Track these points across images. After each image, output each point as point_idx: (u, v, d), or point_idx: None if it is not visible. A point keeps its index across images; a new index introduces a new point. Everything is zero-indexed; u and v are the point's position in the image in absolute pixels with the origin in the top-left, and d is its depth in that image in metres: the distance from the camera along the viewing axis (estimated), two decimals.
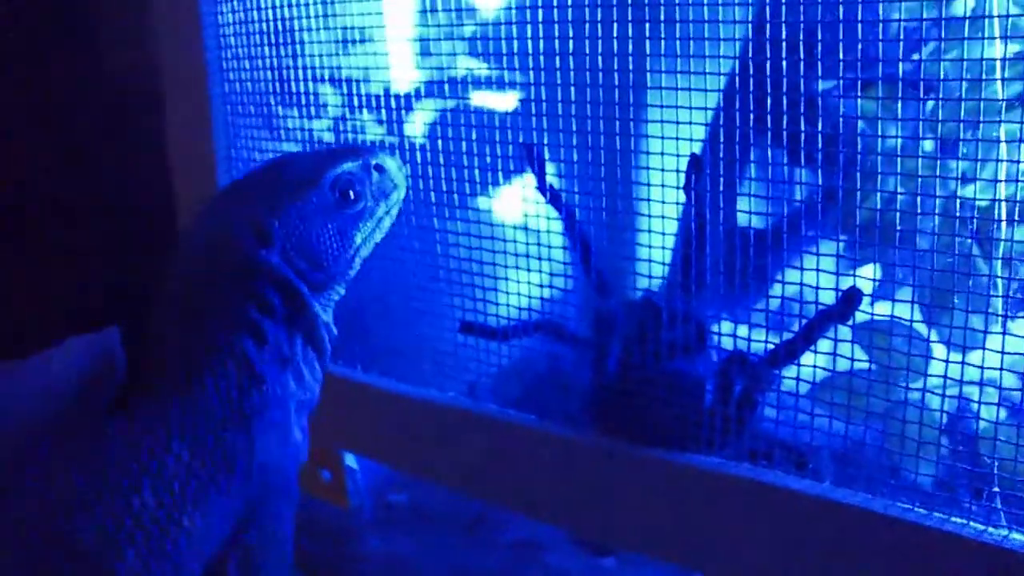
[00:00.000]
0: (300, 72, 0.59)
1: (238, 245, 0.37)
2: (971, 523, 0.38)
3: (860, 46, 0.38)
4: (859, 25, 0.38)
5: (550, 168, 0.48)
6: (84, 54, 0.80)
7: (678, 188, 0.43)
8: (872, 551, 0.41)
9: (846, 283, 0.40)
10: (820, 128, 0.39)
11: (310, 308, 0.38)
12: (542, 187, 0.47)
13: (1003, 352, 0.37)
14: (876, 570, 0.41)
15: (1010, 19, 0.35)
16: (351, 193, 0.40)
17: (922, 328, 0.40)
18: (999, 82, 0.36)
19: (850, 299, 0.39)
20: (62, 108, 0.81)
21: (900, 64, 0.38)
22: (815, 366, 0.43)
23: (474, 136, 0.51)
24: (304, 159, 0.42)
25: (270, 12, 0.59)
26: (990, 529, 0.38)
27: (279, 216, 0.37)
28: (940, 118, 0.37)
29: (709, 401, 0.43)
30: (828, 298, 0.40)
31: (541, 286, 0.50)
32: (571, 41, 0.45)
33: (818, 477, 0.41)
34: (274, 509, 0.34)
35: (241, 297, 0.36)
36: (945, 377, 0.39)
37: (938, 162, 0.38)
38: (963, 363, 0.38)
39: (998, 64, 0.36)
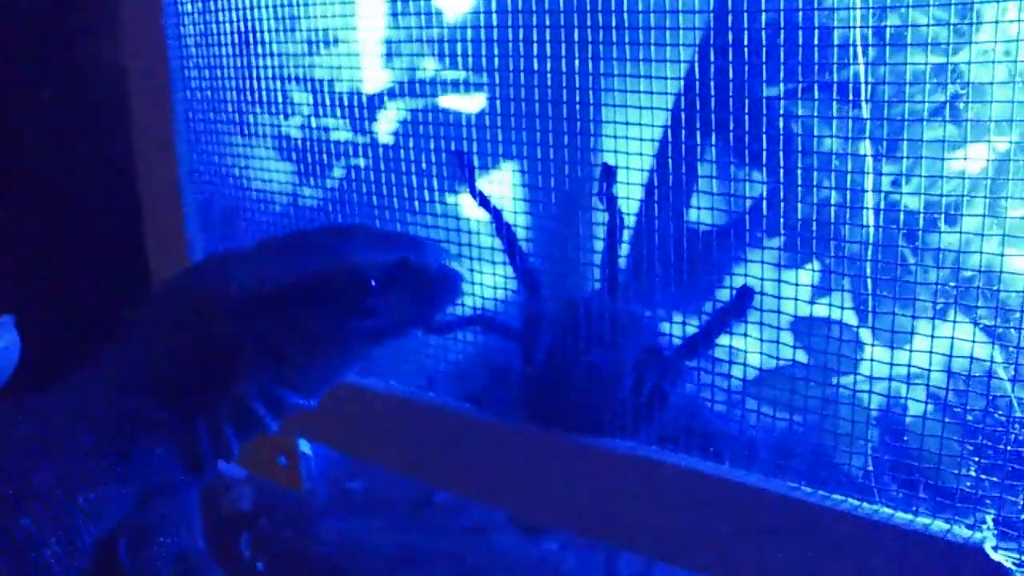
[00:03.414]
0: (268, 72, 0.61)
1: (230, 308, 0.37)
2: (899, 513, 0.41)
3: (804, 54, 0.40)
4: (801, 33, 0.40)
5: (513, 168, 0.51)
6: (51, 57, 0.81)
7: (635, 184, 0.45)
8: (774, 527, 0.44)
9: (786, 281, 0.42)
10: (765, 132, 0.41)
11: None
12: (472, 190, 0.50)
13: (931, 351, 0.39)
14: (787, 545, 0.44)
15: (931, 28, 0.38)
16: (367, 306, 0.38)
17: (863, 330, 0.43)
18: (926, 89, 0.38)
19: (743, 296, 0.42)
20: (26, 111, 0.83)
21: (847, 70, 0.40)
22: (746, 365, 0.46)
23: (437, 137, 0.53)
24: (337, 243, 0.39)
25: (233, 14, 0.61)
26: (898, 513, 0.41)
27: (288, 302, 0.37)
28: (873, 124, 0.40)
29: (624, 391, 0.47)
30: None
31: (496, 288, 0.53)
32: (530, 44, 0.48)
33: (720, 459, 0.45)
34: (171, 497, 0.37)
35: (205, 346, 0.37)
36: (880, 375, 0.42)
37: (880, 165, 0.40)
38: (889, 362, 0.40)
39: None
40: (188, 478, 0.38)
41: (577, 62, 0.47)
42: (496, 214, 0.50)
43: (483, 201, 0.50)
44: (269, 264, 0.38)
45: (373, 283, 0.37)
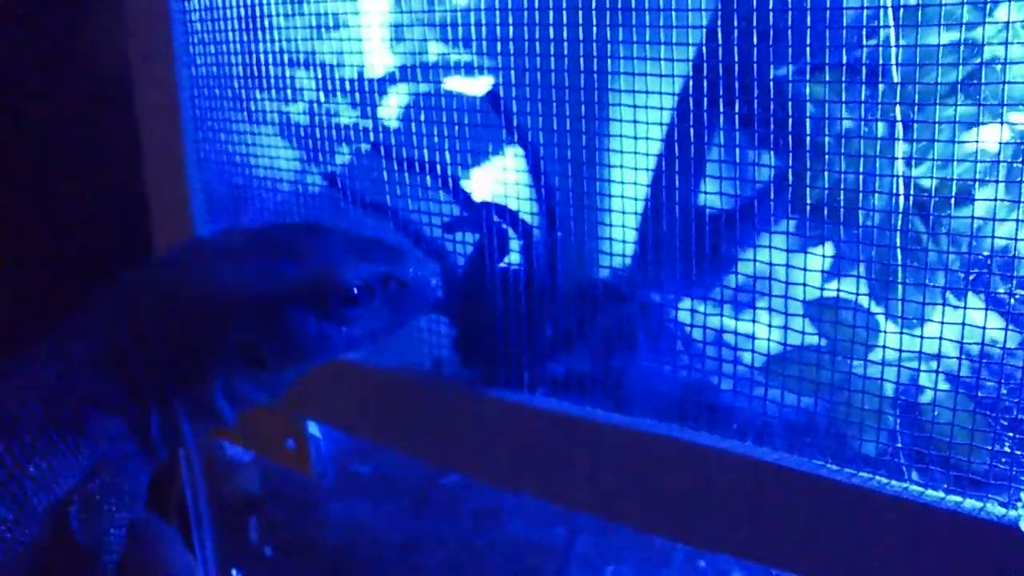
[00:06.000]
0: (274, 46, 0.60)
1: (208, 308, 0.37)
2: (910, 487, 0.40)
3: (827, 33, 0.39)
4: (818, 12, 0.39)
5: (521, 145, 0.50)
6: (55, 43, 0.80)
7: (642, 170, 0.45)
8: (799, 506, 0.43)
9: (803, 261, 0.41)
10: (778, 112, 0.41)
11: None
12: (509, 128, 0.49)
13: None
14: (813, 525, 0.43)
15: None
16: (346, 315, 0.38)
17: (876, 308, 0.42)
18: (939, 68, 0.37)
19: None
20: (33, 98, 0.82)
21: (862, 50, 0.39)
22: (769, 339, 0.45)
23: (445, 119, 0.52)
24: (321, 243, 0.39)
25: None
26: (928, 491, 0.40)
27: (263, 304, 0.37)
28: (890, 101, 0.39)
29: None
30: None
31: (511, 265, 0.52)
32: (546, 12, 0.47)
33: (742, 436, 0.44)
34: (123, 466, 0.37)
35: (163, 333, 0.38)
36: (899, 350, 0.41)
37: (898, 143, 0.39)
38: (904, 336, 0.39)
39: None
40: (141, 455, 0.38)
41: (595, 29, 0.45)
42: (531, 149, 0.49)
43: (520, 137, 0.49)
44: (251, 265, 0.38)
45: (355, 292, 0.38)
